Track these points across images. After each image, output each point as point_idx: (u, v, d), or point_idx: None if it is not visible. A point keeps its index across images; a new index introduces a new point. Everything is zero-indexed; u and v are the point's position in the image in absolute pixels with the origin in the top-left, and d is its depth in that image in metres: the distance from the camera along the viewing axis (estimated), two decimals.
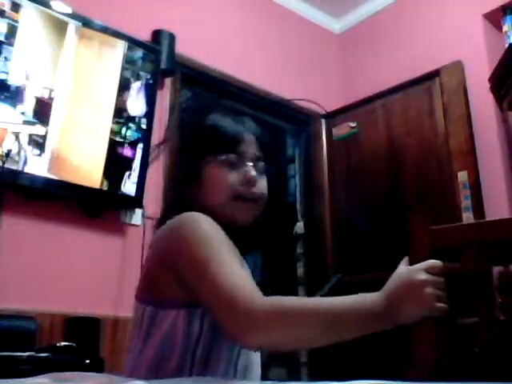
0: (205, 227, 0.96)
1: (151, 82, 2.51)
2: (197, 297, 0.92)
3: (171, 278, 0.96)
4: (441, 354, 0.95)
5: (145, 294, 1.01)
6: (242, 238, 1.05)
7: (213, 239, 0.94)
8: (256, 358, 1.06)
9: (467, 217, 2.57)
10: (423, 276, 0.88)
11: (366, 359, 2.57)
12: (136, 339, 1.00)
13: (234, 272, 0.90)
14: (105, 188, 2.28)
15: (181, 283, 0.95)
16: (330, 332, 0.87)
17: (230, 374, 0.98)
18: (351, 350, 2.08)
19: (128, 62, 2.44)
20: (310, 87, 3.40)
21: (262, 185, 1.10)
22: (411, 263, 0.93)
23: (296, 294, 3.03)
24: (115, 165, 2.34)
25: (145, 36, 2.63)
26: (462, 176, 2.63)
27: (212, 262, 0.91)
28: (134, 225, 2.46)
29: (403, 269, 0.92)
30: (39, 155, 2.12)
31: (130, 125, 2.41)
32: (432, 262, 0.91)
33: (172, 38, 2.68)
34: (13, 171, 2.05)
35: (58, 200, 2.23)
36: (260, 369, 1.08)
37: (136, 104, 2.45)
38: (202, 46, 2.91)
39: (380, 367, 1.94)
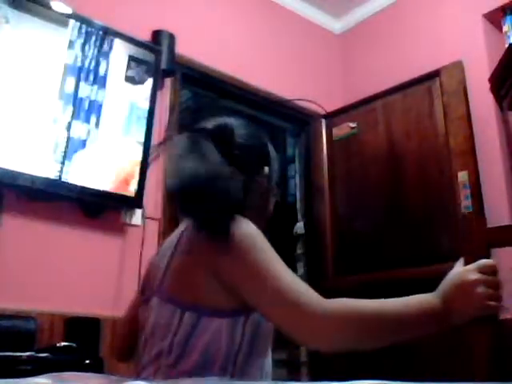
0: (257, 235, 0.97)
1: (151, 81, 2.51)
2: (253, 304, 0.93)
3: (217, 285, 0.95)
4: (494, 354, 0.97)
5: (182, 297, 0.98)
6: None
7: (267, 247, 0.95)
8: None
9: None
10: (475, 276, 0.90)
11: (366, 359, 2.57)
12: (163, 341, 0.97)
13: (295, 279, 0.91)
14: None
15: (229, 291, 0.94)
16: (393, 334, 0.90)
17: (260, 378, 1.01)
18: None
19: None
20: (310, 87, 3.40)
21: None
22: (466, 263, 0.94)
23: None
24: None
25: (145, 36, 2.63)
26: (462, 176, 2.63)
27: (271, 269, 0.91)
28: (134, 225, 2.46)
29: (457, 269, 0.94)
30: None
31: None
32: (484, 261, 0.93)
33: (172, 38, 2.68)
34: (13, 171, 2.05)
35: (58, 200, 2.23)
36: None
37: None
38: (202, 46, 2.91)
39: (380, 367, 1.94)
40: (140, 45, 2.51)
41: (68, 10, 2.28)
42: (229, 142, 1.08)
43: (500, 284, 0.91)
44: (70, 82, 2.26)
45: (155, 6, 2.78)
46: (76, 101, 2.27)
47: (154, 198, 2.55)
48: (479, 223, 1.08)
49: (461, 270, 0.93)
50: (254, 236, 0.96)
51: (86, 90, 2.30)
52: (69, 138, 2.22)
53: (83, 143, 2.27)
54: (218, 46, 3.00)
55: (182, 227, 1.10)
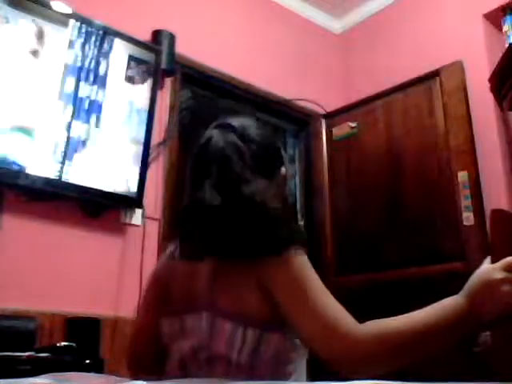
0: (304, 255, 0.97)
1: (151, 81, 2.51)
2: (290, 322, 0.93)
3: (269, 301, 0.95)
4: None
5: (241, 314, 0.96)
6: None
7: (312, 269, 0.96)
8: None
9: (467, 217, 2.57)
10: (501, 274, 0.89)
11: None
12: (227, 355, 0.96)
13: (335, 303, 0.92)
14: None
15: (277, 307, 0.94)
16: (426, 348, 0.91)
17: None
18: None
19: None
20: (310, 87, 3.40)
21: None
22: (493, 262, 0.94)
23: None
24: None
25: (145, 36, 2.63)
26: (462, 176, 2.63)
27: (315, 291, 0.93)
28: (134, 225, 2.46)
29: (483, 268, 0.93)
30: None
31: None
32: (510, 259, 0.91)
33: (172, 38, 2.68)
34: (13, 171, 2.05)
35: (58, 200, 2.23)
36: None
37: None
38: (202, 46, 2.91)
39: None
40: (140, 45, 2.51)
41: (68, 10, 2.28)
42: (252, 144, 1.07)
43: None
44: (70, 81, 2.26)
45: (155, 5, 2.78)
46: (76, 101, 2.27)
47: (154, 198, 2.55)
48: (505, 220, 1.05)
49: (486, 269, 0.92)
50: (303, 257, 0.97)
51: (86, 90, 2.31)
52: (69, 138, 2.22)
53: (83, 143, 2.27)
54: (218, 46, 3.00)
55: None
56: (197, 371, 0.99)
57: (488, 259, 0.96)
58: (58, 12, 2.24)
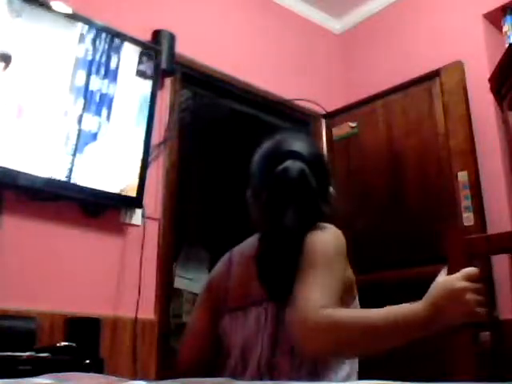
0: (339, 248, 1.11)
1: (151, 81, 2.51)
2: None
3: None
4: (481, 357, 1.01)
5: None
6: None
7: (337, 260, 1.08)
8: None
9: (467, 217, 2.57)
10: (463, 284, 0.95)
11: (366, 359, 2.57)
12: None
13: (324, 284, 1.00)
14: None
15: None
16: (375, 343, 0.96)
17: None
18: None
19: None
20: (310, 87, 3.40)
21: None
22: (449, 272, 1.00)
23: None
24: None
25: (145, 36, 2.63)
26: (462, 176, 2.63)
27: (316, 273, 1.01)
28: (134, 225, 2.46)
29: (442, 278, 0.99)
30: None
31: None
32: (469, 269, 0.98)
33: (172, 38, 2.68)
34: (13, 171, 2.05)
35: (58, 200, 2.23)
36: None
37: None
38: (202, 46, 2.91)
39: (379, 367, 1.93)
40: (140, 44, 2.51)
41: (68, 10, 2.27)
42: (323, 170, 1.20)
43: (485, 291, 0.96)
44: (81, 75, 2.28)
45: (155, 5, 2.78)
46: (87, 94, 2.29)
47: (153, 198, 2.55)
48: (458, 233, 1.14)
49: (448, 279, 0.98)
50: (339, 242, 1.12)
51: (96, 84, 2.32)
52: (80, 131, 2.25)
53: (94, 136, 2.29)
54: (218, 45, 3.00)
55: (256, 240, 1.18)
56: (259, 361, 1.06)
57: (444, 270, 1.03)
58: (58, 12, 2.24)
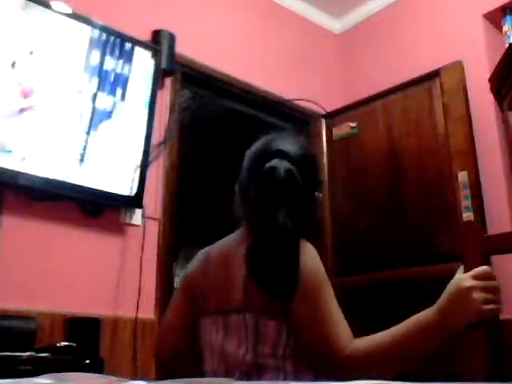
0: (322, 265, 1.09)
1: (151, 81, 2.51)
2: (300, 326, 1.04)
3: None
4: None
5: (282, 314, 1.07)
6: None
7: (328, 282, 1.08)
8: None
9: (467, 217, 2.57)
10: (469, 282, 0.95)
11: None
12: (274, 349, 1.06)
13: (339, 323, 1.03)
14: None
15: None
16: (403, 360, 1.00)
17: None
18: None
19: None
20: (310, 87, 3.40)
21: None
22: (466, 271, 0.99)
23: None
24: None
25: (145, 36, 2.63)
26: (462, 176, 2.63)
27: (328, 307, 1.04)
28: (133, 225, 2.46)
29: (455, 278, 0.99)
30: None
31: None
32: (480, 268, 0.98)
33: (172, 38, 2.68)
34: (13, 171, 2.05)
35: (58, 200, 2.23)
36: None
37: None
38: (202, 46, 2.91)
39: None
40: (140, 44, 2.51)
41: (68, 10, 2.27)
42: (313, 173, 1.20)
43: (497, 288, 0.96)
44: (95, 55, 2.33)
45: (155, 5, 2.78)
46: (101, 73, 2.34)
47: (154, 198, 2.55)
48: (477, 232, 1.12)
49: (457, 278, 0.98)
50: (322, 270, 1.08)
51: (111, 64, 2.37)
52: (94, 109, 2.29)
53: (109, 114, 2.35)
54: (218, 45, 3.00)
55: (240, 238, 1.18)
56: (241, 371, 1.07)
57: (461, 269, 1.01)
58: (58, 12, 2.24)
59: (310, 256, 1.08)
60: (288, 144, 1.18)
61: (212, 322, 1.15)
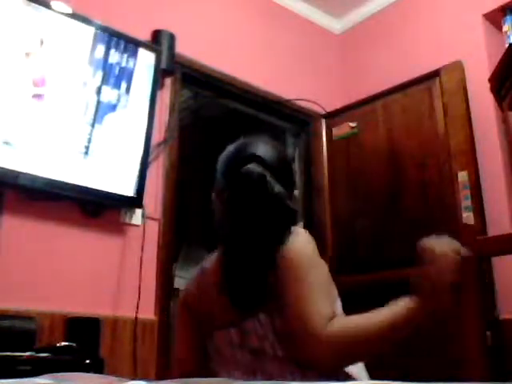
0: (315, 251, 1.11)
1: (151, 81, 2.51)
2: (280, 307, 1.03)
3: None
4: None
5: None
6: None
7: (318, 266, 1.09)
8: None
9: (467, 217, 2.57)
10: (438, 254, 1.08)
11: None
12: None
13: (321, 304, 1.01)
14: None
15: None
16: (385, 341, 1.00)
17: None
18: None
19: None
20: (310, 87, 3.40)
21: None
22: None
23: None
24: None
25: (145, 36, 2.63)
26: (462, 176, 2.63)
27: (308, 285, 1.03)
28: (133, 225, 2.46)
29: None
30: None
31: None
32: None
33: (172, 38, 2.68)
34: (13, 171, 2.05)
35: (58, 200, 2.23)
36: None
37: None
38: (202, 46, 2.91)
39: (378, 367, 1.93)
40: (140, 44, 2.51)
41: (68, 10, 2.27)
42: (289, 173, 1.24)
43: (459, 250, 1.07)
44: (100, 49, 2.34)
45: (155, 5, 2.78)
46: (106, 67, 2.35)
47: (154, 198, 2.55)
48: (473, 234, 1.18)
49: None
50: (314, 253, 1.10)
51: (115, 57, 2.38)
52: (99, 102, 2.31)
53: (113, 107, 2.36)
54: (218, 46, 3.00)
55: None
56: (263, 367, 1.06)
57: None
58: (58, 12, 2.24)
59: (299, 238, 1.10)
60: (262, 148, 1.18)
61: (226, 333, 1.12)
